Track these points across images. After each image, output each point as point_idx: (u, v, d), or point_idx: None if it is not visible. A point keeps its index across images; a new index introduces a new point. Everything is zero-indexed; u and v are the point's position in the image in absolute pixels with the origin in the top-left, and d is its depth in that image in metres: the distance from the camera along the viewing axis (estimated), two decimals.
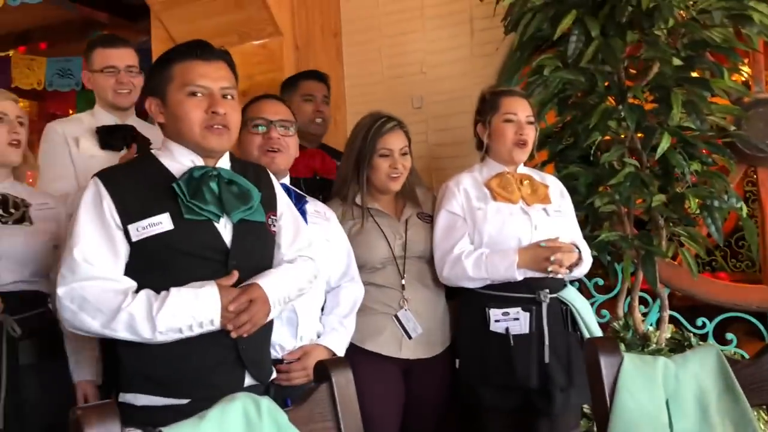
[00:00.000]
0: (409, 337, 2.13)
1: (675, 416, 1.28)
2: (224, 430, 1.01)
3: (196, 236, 1.50)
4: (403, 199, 2.28)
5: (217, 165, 1.60)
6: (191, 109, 1.53)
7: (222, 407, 1.04)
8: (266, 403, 1.07)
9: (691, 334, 2.55)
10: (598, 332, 2.18)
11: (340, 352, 1.95)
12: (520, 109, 2.19)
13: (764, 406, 1.34)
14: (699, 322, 2.74)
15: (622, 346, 2.34)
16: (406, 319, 2.13)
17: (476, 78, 3.01)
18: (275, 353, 1.86)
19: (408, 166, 2.23)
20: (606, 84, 2.42)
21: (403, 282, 2.16)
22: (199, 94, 1.54)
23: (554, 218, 2.18)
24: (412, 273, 2.18)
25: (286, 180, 2.03)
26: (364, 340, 2.10)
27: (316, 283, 1.86)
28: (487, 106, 2.23)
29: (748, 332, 2.93)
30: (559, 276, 2.11)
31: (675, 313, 2.76)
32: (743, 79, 2.73)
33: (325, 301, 2.03)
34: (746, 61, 2.74)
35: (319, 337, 1.94)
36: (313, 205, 2.06)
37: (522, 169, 2.27)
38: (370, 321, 2.12)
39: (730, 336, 2.70)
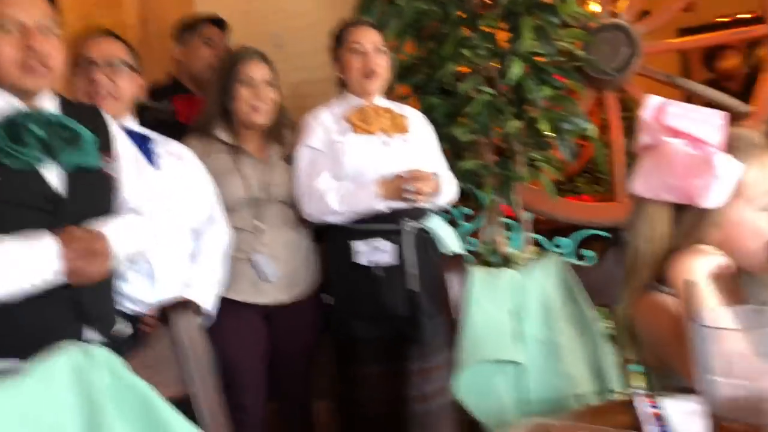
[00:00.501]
0: (267, 282, 2.10)
1: (523, 323, 1.34)
2: (49, 385, 0.94)
3: (20, 185, 1.38)
4: (269, 138, 2.21)
5: (41, 106, 1.46)
6: (2, 46, 1.39)
7: (46, 361, 0.96)
8: (99, 351, 1.01)
9: (550, 253, 2.68)
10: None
11: (207, 304, 1.89)
12: (366, 39, 2.17)
13: (606, 306, 1.42)
14: (558, 241, 2.89)
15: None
16: (263, 263, 2.08)
17: (337, 13, 2.94)
18: (133, 307, 1.77)
19: (273, 100, 2.16)
20: (459, 13, 2.44)
21: (260, 225, 2.11)
22: (10, 29, 1.39)
23: (415, 148, 2.20)
24: (273, 216, 2.13)
25: (130, 123, 1.90)
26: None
27: (171, 232, 1.78)
28: (336, 40, 2.20)
29: (605, 249, 3.13)
30: (422, 205, 2.14)
31: (538, 236, 2.90)
32: (590, 5, 2.83)
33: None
34: None
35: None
36: (164, 146, 1.95)
37: (381, 102, 2.25)
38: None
39: (588, 252, 2.87)
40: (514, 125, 2.38)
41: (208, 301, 1.89)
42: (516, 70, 2.29)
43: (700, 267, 1.09)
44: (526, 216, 2.73)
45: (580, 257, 2.84)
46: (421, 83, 2.54)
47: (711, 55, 4.79)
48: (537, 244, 2.89)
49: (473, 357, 1.26)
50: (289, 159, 2.21)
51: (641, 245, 1.17)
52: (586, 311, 1.37)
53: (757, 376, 0.72)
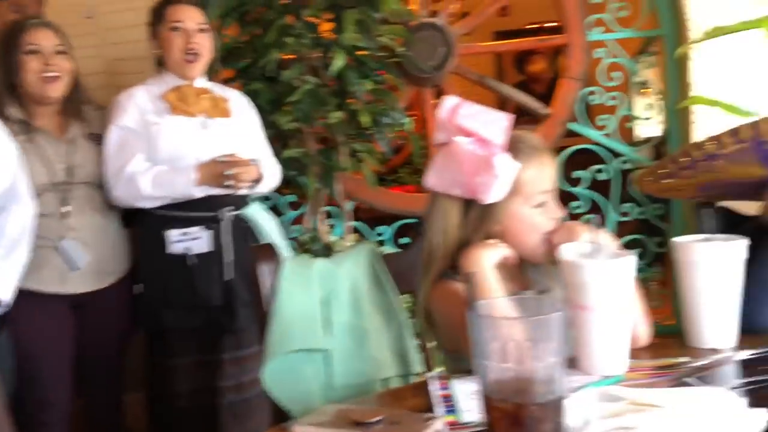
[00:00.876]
0: (76, 270, 1.98)
1: (333, 311, 1.38)
2: None
3: None
4: (67, 116, 2.06)
5: None
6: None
7: None
8: None
9: (370, 241, 2.77)
10: (283, 246, 2.25)
11: (3, 293, 1.73)
12: (188, 17, 2.10)
13: (410, 292, 1.50)
14: (379, 230, 2.99)
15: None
16: (70, 250, 1.95)
17: None
18: None
19: (66, 69, 2.01)
20: (283, 1, 2.43)
21: (67, 209, 1.97)
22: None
23: (236, 133, 2.16)
24: (80, 199, 2.01)
25: None
26: (23, 278, 1.89)
27: None
28: (155, 17, 2.11)
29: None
30: (242, 192, 2.12)
31: (360, 224, 2.99)
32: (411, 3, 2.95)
33: None
34: None
35: None
36: None
37: (202, 83, 2.19)
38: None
39: (407, 240, 3.00)
40: (337, 116, 2.42)
41: (4, 289, 1.75)
42: (338, 61, 2.33)
43: (487, 258, 1.19)
44: (348, 205, 2.79)
45: (400, 245, 2.97)
46: (245, 68, 2.50)
47: (522, 58, 5.19)
48: (358, 232, 2.98)
49: (282, 347, 1.28)
50: (93, 137, 2.08)
51: (436, 236, 1.25)
52: (393, 298, 1.44)
53: (524, 360, 0.80)
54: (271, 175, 2.24)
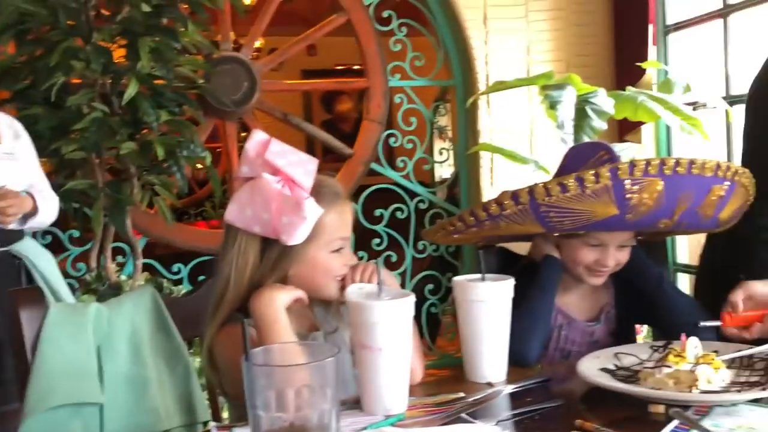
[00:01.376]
0: None
1: (106, 360, 1.26)
2: None
3: None
4: None
5: None
6: None
7: None
8: None
9: (165, 280, 2.62)
10: (61, 285, 2.06)
11: None
12: None
13: (198, 337, 1.42)
14: (175, 268, 2.85)
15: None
16: None
17: None
18: None
19: None
20: (72, 22, 2.26)
21: None
22: None
23: (4, 162, 1.94)
24: None
25: None
26: None
27: None
28: None
29: None
30: (12, 227, 1.90)
31: (154, 261, 2.82)
32: (215, 36, 2.88)
33: None
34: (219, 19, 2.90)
35: None
36: None
37: None
38: None
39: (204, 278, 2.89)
40: (128, 146, 2.28)
41: None
42: (131, 90, 2.20)
43: (279, 299, 1.17)
44: (140, 242, 2.63)
45: (200, 284, 2.84)
46: (23, 90, 2.28)
47: (330, 98, 5.31)
48: (152, 270, 2.81)
49: (44, 403, 1.14)
50: None
51: (229, 275, 1.20)
52: (178, 343, 1.35)
53: (299, 408, 0.78)
54: (48, 208, 2.04)
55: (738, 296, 1.24)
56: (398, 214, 3.12)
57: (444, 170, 4.73)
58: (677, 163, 1.17)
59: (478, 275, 1.29)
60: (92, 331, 1.25)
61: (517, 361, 1.34)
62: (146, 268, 2.73)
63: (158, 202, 2.51)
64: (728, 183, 1.22)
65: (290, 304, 1.19)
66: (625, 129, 2.87)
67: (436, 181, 4.85)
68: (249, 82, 2.79)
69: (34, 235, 2.25)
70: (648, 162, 1.17)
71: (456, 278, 1.28)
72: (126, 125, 2.32)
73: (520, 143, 2.97)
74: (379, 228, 3.09)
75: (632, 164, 1.16)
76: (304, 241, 1.18)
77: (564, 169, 1.35)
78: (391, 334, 1.09)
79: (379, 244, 3.08)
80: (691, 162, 1.17)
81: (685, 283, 3.00)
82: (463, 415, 1.05)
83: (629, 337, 1.52)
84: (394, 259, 3.12)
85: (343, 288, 1.22)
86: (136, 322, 1.32)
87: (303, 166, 1.21)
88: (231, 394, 1.24)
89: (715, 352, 1.15)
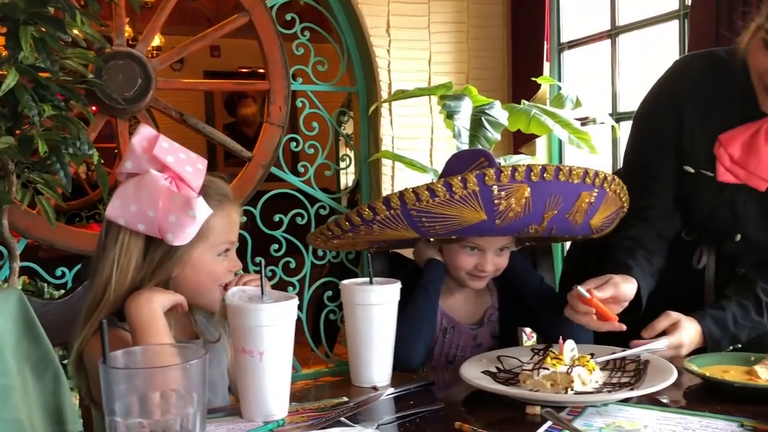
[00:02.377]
0: None
1: None
2: None
3: None
4: None
5: None
6: None
7: None
8: None
9: (46, 284, 2.48)
10: None
11: None
12: None
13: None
14: (58, 272, 2.70)
15: None
16: None
17: None
18: None
19: None
20: None
21: None
22: None
23: None
24: None
25: None
26: None
27: None
28: None
29: None
30: None
31: (35, 265, 2.66)
32: (110, 32, 2.76)
33: None
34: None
35: None
36: None
37: None
38: None
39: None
40: (6, 141, 2.13)
41: None
42: (9, 80, 2.06)
43: (158, 302, 1.11)
44: (19, 244, 2.47)
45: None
46: None
47: (233, 101, 5.21)
48: (34, 274, 2.65)
49: None
50: None
51: (109, 274, 1.13)
52: (47, 348, 1.27)
53: (163, 412, 0.74)
54: None
55: (607, 292, 1.28)
56: (298, 220, 3.08)
57: (350, 178, 4.74)
58: (544, 169, 1.19)
59: (367, 279, 1.29)
60: None
61: (403, 365, 1.34)
62: (27, 271, 2.58)
63: (40, 202, 2.36)
64: (597, 190, 1.26)
65: (170, 309, 1.14)
66: (520, 141, 2.97)
67: (341, 188, 4.84)
68: (143, 79, 2.69)
69: None
70: (515, 168, 1.19)
71: (344, 282, 1.27)
72: (4, 118, 2.18)
73: (421, 152, 3.01)
74: (278, 233, 3.05)
75: (499, 170, 1.17)
76: (189, 242, 1.14)
77: (444, 175, 1.37)
78: (274, 337, 1.07)
79: (277, 250, 3.03)
80: (558, 168, 1.20)
81: None
82: (343, 419, 1.03)
83: (512, 341, 1.55)
84: (293, 265, 3.08)
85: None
86: None
87: (192, 165, 1.16)
88: (99, 403, 1.17)
89: (591, 354, 1.20)
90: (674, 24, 2.61)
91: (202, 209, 1.13)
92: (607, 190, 1.27)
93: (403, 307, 1.28)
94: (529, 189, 1.19)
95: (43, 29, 2.17)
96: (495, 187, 1.18)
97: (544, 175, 1.18)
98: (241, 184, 2.87)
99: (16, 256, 2.35)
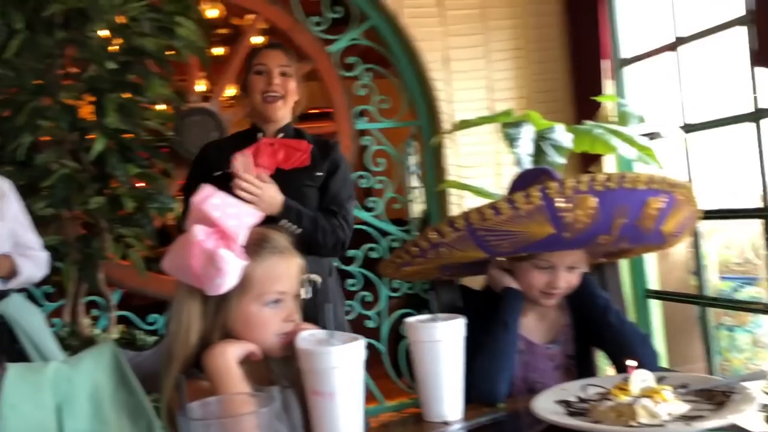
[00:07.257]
0: None
1: (66, 419, 1.27)
2: None
3: None
4: None
5: None
6: None
7: None
8: None
9: (139, 331, 2.63)
10: (46, 341, 2.04)
11: None
12: None
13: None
14: (151, 318, 2.86)
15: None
16: None
17: None
18: None
19: None
20: (39, 81, 2.31)
21: None
22: None
23: None
24: None
25: None
26: None
27: None
28: None
29: None
30: None
31: (129, 313, 2.83)
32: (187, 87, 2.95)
33: None
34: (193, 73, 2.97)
35: None
36: None
37: None
38: None
39: None
40: (97, 201, 2.31)
41: None
42: (98, 146, 2.25)
43: (231, 353, 1.18)
44: (114, 295, 2.64)
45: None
46: None
47: None
48: (128, 322, 2.81)
49: None
50: None
51: (177, 328, 1.20)
52: (141, 397, 1.37)
53: None
54: (32, 267, 2.02)
55: None
56: (371, 254, 3.15)
57: (420, 208, 4.78)
58: (608, 178, 1.20)
59: (431, 315, 1.32)
60: (51, 390, 1.26)
61: (487, 400, 1.35)
62: (122, 320, 2.74)
63: (131, 254, 2.53)
64: (665, 195, 1.25)
65: (244, 358, 1.20)
66: (588, 162, 2.94)
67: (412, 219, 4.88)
68: (218, 131, 2.85)
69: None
70: (578, 180, 1.20)
71: (408, 319, 1.31)
72: (94, 180, 2.36)
73: (487, 179, 3.03)
74: (353, 268, 3.12)
75: (562, 183, 1.19)
76: (234, 293, 1.19)
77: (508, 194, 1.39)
78: (343, 378, 1.12)
79: (353, 285, 3.11)
80: (622, 176, 1.21)
81: (656, 309, 3.04)
82: None
83: (587, 359, 1.55)
84: (369, 299, 3.14)
85: (287, 343, 1.22)
86: (96, 378, 1.34)
87: (238, 219, 1.21)
88: None
89: (683, 386, 1.16)
90: (742, 30, 2.53)
91: (231, 261, 1.17)
92: (676, 193, 1.26)
93: (482, 340, 1.29)
94: (595, 199, 1.20)
95: (125, 95, 2.36)
96: (559, 199, 1.20)
97: (608, 183, 1.19)
98: None
99: (113, 306, 2.52)
